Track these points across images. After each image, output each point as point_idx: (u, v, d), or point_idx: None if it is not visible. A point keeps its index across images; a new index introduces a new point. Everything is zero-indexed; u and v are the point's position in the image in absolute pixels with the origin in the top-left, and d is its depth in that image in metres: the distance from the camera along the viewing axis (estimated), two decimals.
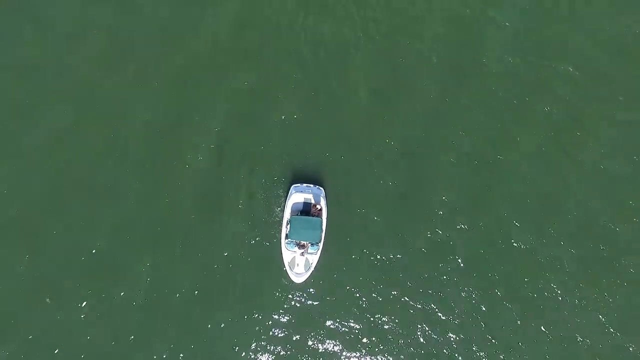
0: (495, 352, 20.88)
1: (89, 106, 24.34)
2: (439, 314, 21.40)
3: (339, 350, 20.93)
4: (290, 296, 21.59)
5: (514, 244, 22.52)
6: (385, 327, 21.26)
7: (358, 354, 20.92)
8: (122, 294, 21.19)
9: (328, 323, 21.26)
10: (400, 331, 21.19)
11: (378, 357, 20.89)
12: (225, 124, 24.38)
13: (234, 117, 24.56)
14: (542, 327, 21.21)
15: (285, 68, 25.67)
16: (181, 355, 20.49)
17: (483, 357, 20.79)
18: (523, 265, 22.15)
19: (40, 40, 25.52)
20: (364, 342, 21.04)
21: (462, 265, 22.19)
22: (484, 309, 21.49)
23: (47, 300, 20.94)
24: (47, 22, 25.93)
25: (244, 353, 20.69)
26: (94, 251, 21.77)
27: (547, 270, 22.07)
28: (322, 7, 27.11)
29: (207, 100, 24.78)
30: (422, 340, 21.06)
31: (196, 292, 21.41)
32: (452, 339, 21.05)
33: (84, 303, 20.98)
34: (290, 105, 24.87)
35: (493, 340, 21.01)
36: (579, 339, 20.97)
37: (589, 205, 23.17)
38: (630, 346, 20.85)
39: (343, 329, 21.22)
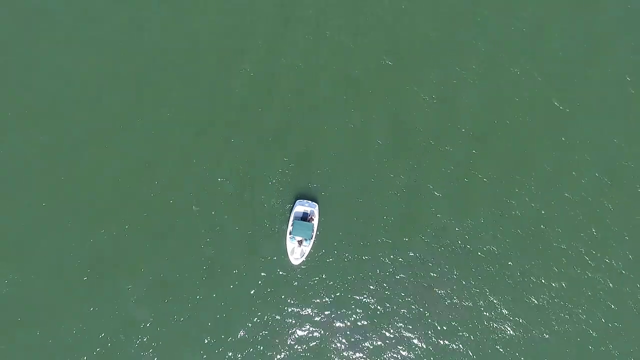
0: None
1: None
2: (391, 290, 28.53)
3: (325, 314, 27.93)
4: (288, 273, 28.78)
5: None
6: (355, 296, 28.40)
7: (336, 314, 28.03)
8: None
9: (312, 293, 28.52)
10: (365, 299, 28.34)
11: (350, 317, 27.91)
12: None
13: None
14: None
15: None
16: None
17: None
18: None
19: None
20: (342, 306, 28.18)
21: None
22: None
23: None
24: None
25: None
26: None
27: None
28: None
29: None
30: (382, 307, 28.08)
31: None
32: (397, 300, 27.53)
33: None
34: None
35: None
36: None
37: None
38: None
39: (324, 298, 28.38)
